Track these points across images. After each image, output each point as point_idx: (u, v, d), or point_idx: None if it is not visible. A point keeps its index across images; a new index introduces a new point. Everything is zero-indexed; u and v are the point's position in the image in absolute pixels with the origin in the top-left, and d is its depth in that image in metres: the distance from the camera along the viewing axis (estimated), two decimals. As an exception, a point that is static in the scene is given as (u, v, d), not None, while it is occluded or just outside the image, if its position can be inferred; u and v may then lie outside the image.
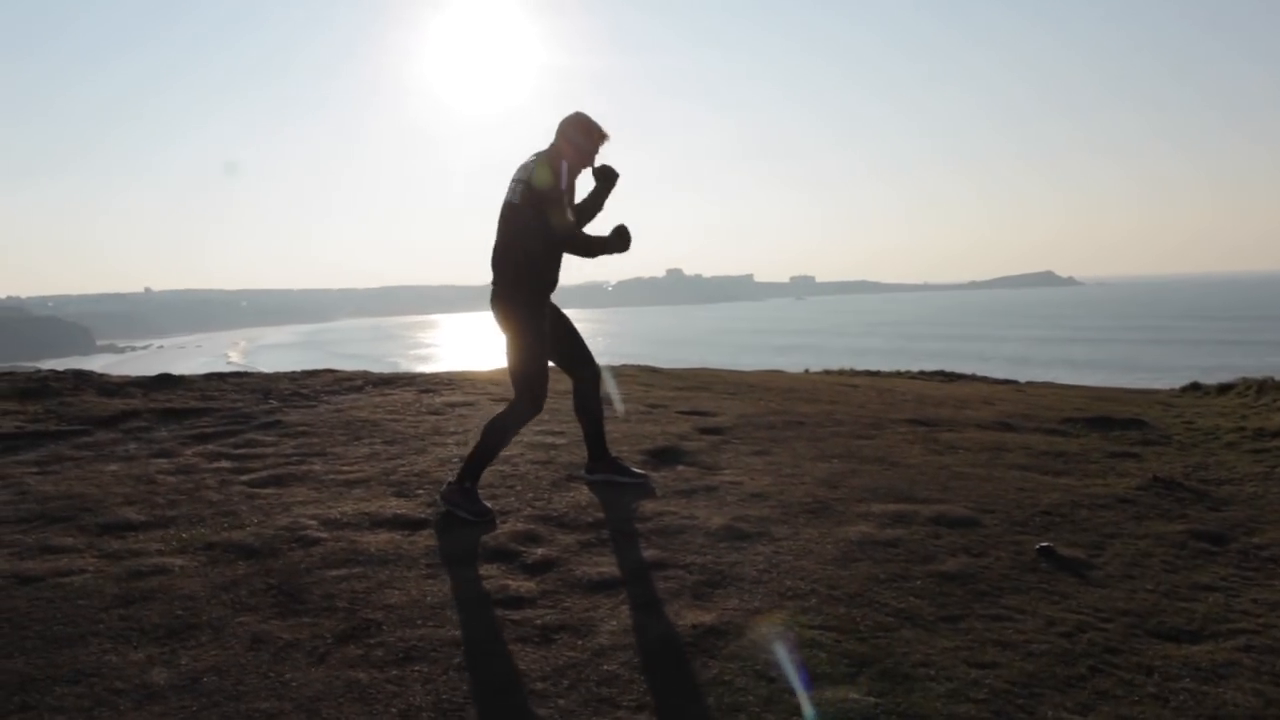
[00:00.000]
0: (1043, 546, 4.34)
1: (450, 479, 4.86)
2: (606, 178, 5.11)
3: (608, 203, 5.23)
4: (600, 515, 4.72)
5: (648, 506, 4.88)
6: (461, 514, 4.64)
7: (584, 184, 5.17)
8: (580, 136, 4.89)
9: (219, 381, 8.02)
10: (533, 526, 4.52)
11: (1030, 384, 16.07)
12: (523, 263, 4.83)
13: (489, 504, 4.84)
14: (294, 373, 8.78)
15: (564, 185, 4.80)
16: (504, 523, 4.58)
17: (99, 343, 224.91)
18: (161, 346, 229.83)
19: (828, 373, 16.12)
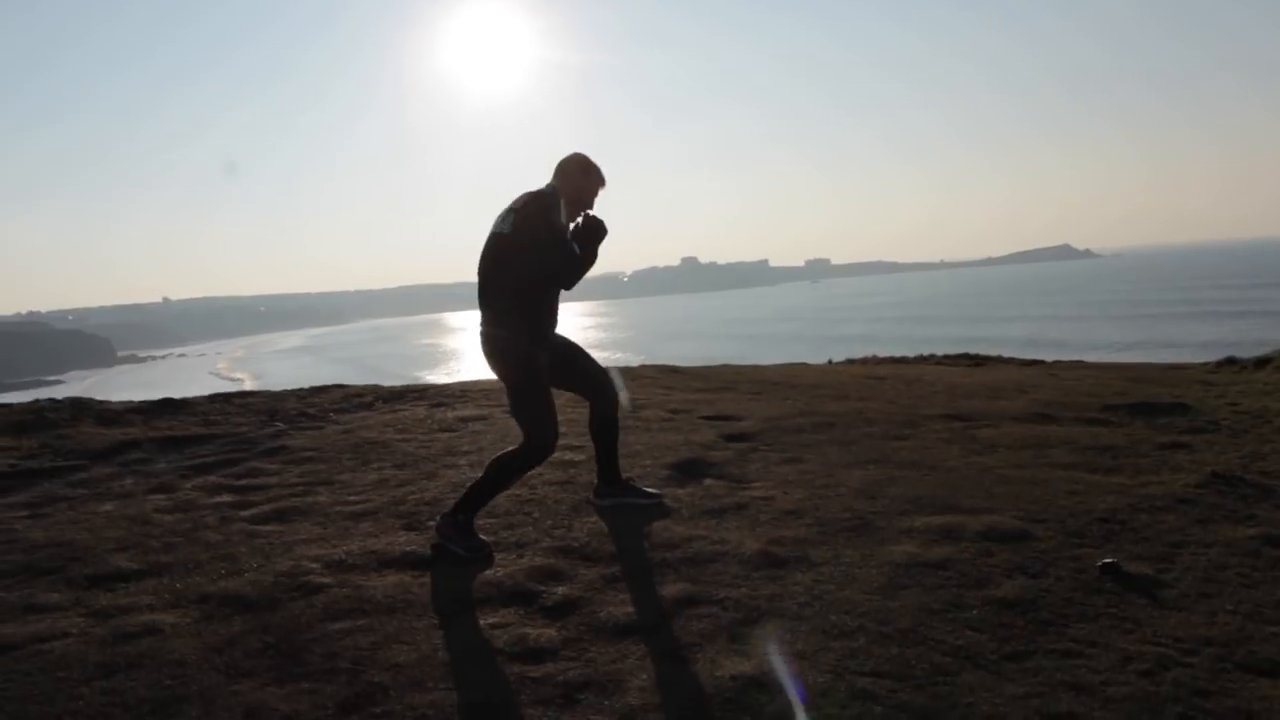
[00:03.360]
0: (1106, 563, 3.99)
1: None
2: (593, 231, 4.64)
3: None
4: (625, 544, 4.38)
5: (676, 530, 4.55)
6: (454, 548, 4.34)
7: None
8: (580, 177, 4.64)
9: (223, 404, 7.73)
10: (553, 561, 4.19)
11: (1059, 364, 15.68)
12: (517, 298, 4.51)
13: (507, 532, 4.54)
14: (301, 390, 8.49)
15: (565, 221, 4.51)
16: (522, 556, 4.25)
17: (120, 353, 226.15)
18: (183, 354, 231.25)
19: (851, 363, 15.74)
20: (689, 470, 5.69)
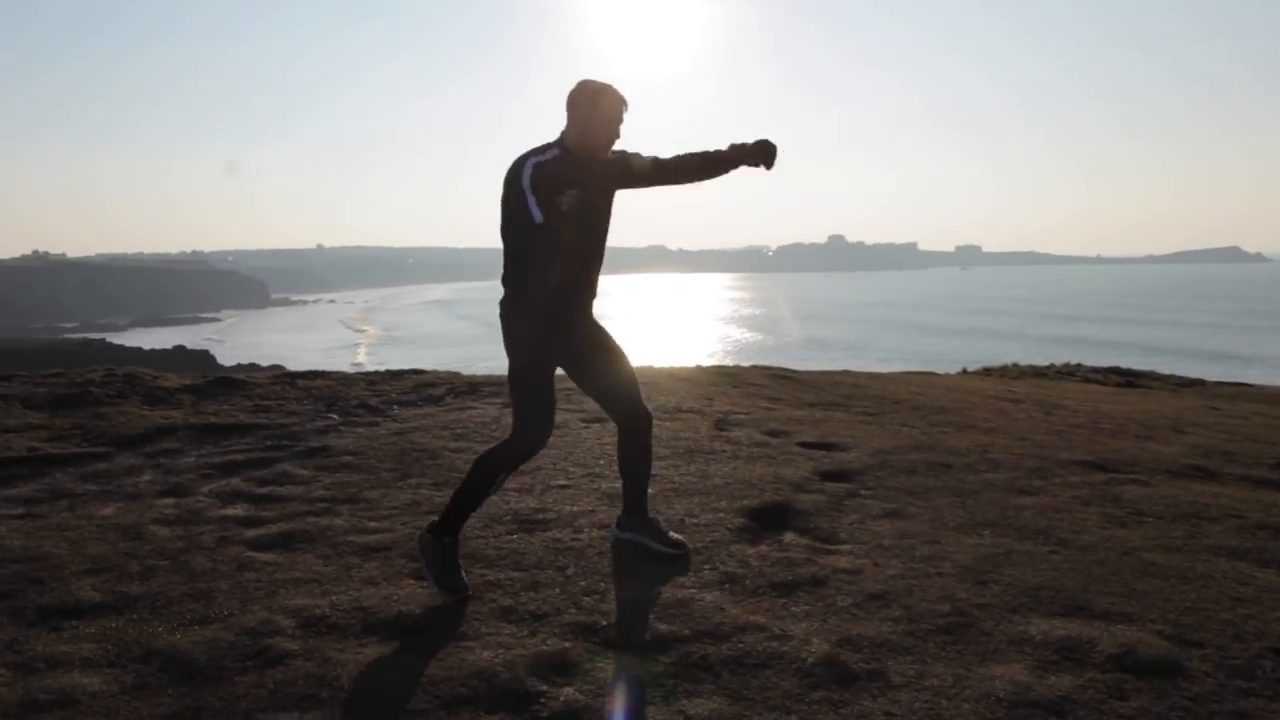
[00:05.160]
0: (1285, 732, 3.01)
1: (430, 524, 3.99)
2: (766, 154, 4.05)
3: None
4: (663, 628, 3.59)
5: (730, 612, 3.72)
6: (433, 585, 3.80)
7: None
8: (592, 105, 3.90)
9: (285, 386, 7.21)
10: (569, 644, 3.42)
11: (1220, 388, 14.19)
12: (530, 272, 3.88)
13: (529, 595, 3.81)
14: (374, 374, 7.93)
15: (525, 183, 3.79)
16: (534, 634, 3.50)
17: (274, 296, 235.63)
18: (332, 300, 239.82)
19: (988, 373, 14.54)
20: (769, 519, 4.86)
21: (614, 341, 4.16)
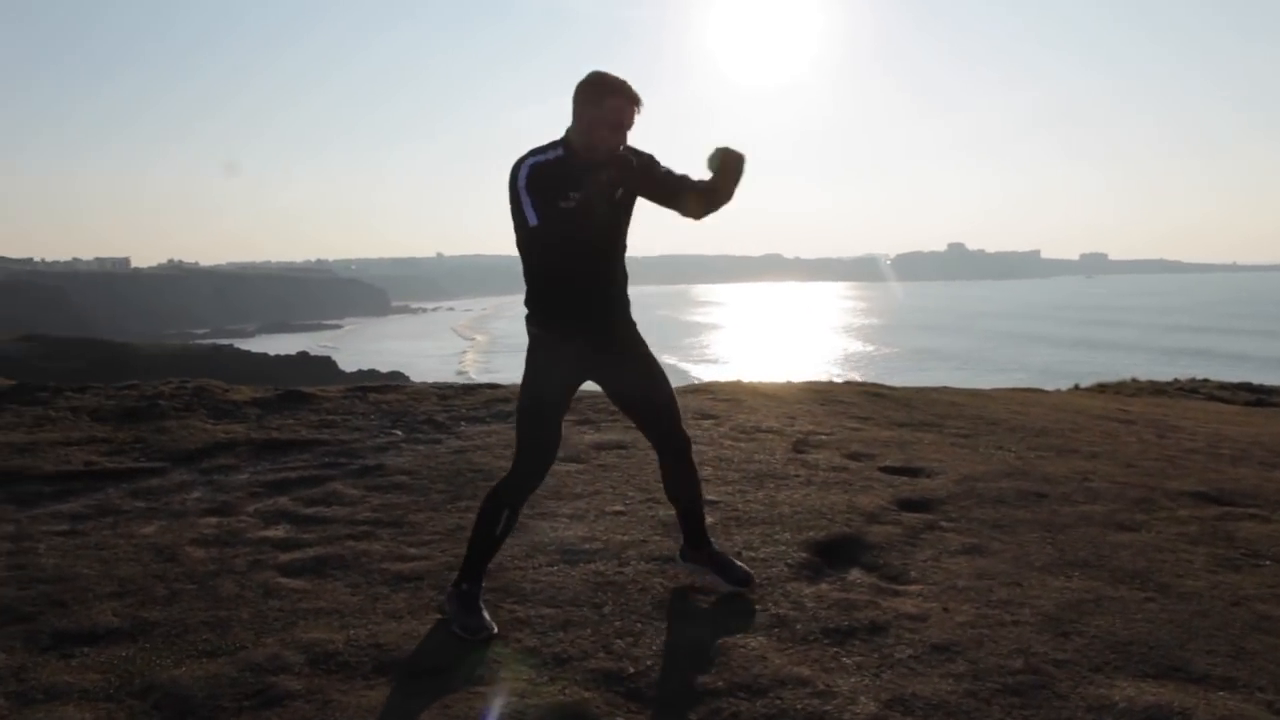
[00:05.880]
0: None
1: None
2: (730, 168, 3.65)
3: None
4: (697, 678, 3.29)
5: (773, 661, 3.40)
6: (454, 629, 3.55)
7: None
8: (593, 104, 3.53)
9: (355, 401, 7.11)
10: (590, 693, 3.15)
11: (1364, 408, 13.14)
12: (530, 284, 3.71)
13: (558, 635, 3.55)
14: (448, 388, 7.80)
15: (521, 184, 3.49)
16: (554, 681, 3.24)
17: (394, 304, 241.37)
18: (451, 308, 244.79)
19: (1102, 389, 13.77)
20: (835, 554, 4.51)
21: (650, 358, 3.87)
